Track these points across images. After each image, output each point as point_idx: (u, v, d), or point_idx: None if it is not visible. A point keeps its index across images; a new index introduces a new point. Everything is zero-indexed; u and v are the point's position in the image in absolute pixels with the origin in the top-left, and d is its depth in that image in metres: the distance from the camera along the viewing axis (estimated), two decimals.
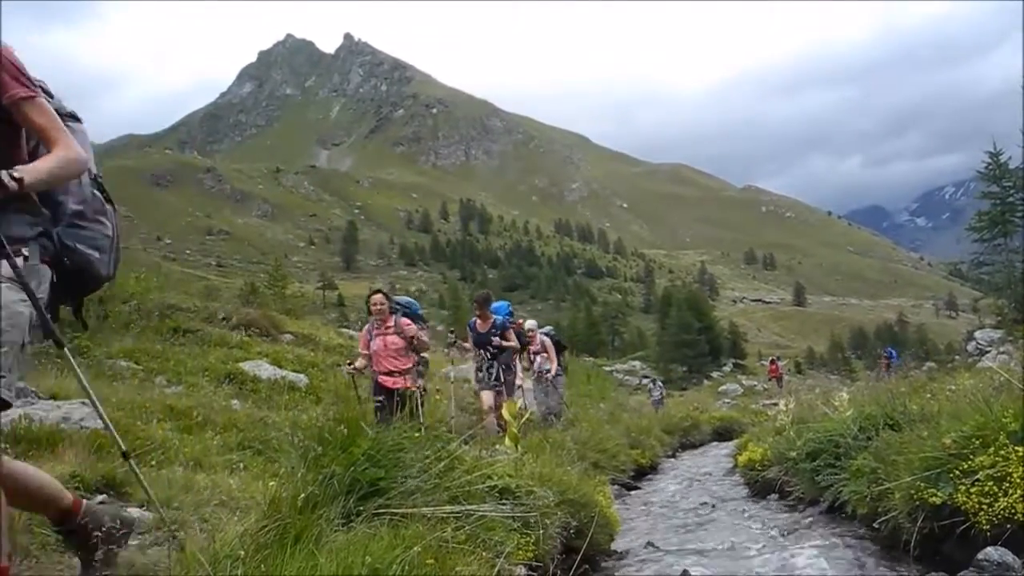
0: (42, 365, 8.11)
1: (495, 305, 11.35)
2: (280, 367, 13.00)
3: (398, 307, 9.48)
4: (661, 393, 30.20)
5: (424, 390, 9.32)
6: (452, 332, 12.67)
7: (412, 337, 9.09)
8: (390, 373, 8.91)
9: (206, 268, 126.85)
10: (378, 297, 9.29)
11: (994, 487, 3.93)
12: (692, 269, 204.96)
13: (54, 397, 6.76)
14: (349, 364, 9.41)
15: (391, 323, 9.12)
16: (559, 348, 13.80)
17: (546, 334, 13.62)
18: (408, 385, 8.65)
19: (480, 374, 10.99)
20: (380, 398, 8.77)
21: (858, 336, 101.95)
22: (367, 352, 9.18)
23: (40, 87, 2.75)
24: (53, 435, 5.48)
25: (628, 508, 8.96)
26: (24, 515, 3.81)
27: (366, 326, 9.57)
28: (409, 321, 9.28)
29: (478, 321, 11.08)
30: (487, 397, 10.64)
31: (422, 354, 9.76)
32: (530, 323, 13.37)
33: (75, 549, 3.31)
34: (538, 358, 13.01)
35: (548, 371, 12.88)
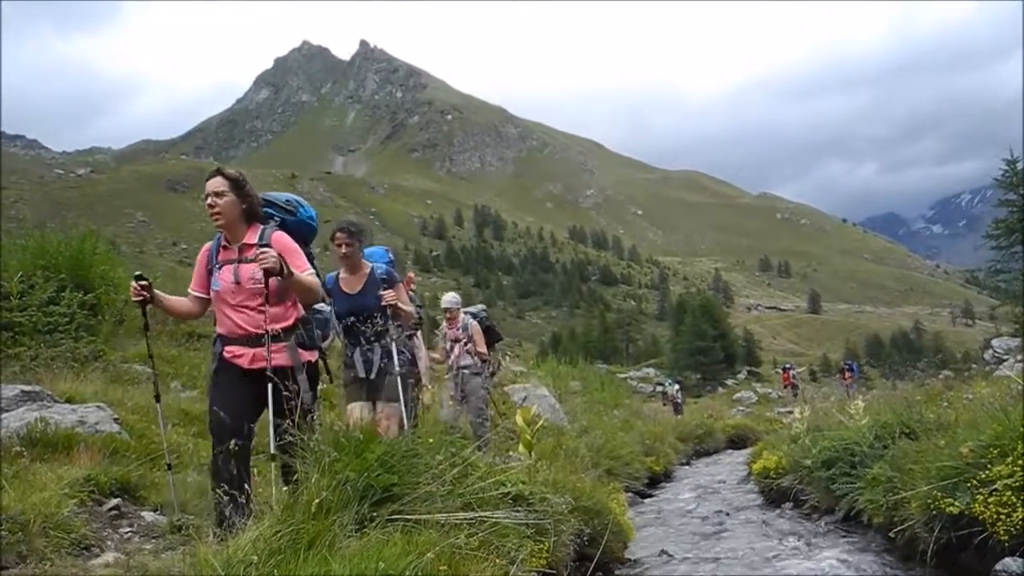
0: (58, 368, 8.16)
1: (367, 250, 6.44)
2: None
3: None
4: (678, 391, 30.22)
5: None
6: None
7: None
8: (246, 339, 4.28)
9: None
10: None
11: (1012, 497, 3.90)
12: (707, 276, 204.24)
13: (70, 400, 6.78)
14: None
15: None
16: (491, 338, 10.00)
17: (474, 316, 9.81)
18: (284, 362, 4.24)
19: (350, 372, 6.02)
20: None
21: (874, 344, 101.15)
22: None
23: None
24: (68, 438, 5.51)
25: (642, 516, 8.93)
26: (39, 518, 3.83)
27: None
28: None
29: (343, 274, 6.05)
30: (358, 412, 5.88)
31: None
32: (450, 298, 9.55)
33: None
34: (456, 347, 9.32)
35: (468, 367, 9.30)
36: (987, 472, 4.13)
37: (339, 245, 5.85)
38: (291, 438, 3.61)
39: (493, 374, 10.29)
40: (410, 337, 7.13)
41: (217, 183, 4.27)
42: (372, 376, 5.87)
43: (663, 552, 6.23)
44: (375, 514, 3.35)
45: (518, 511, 4.06)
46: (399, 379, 5.84)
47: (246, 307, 4.22)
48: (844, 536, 6.38)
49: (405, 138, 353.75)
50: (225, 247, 4.34)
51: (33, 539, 3.71)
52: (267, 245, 4.14)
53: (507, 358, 24.10)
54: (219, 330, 4.35)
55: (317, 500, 3.17)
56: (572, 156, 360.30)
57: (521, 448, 5.28)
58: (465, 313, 9.67)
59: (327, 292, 5.95)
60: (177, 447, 6.32)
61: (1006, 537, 3.88)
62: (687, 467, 16.82)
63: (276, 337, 4.17)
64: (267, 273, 4.01)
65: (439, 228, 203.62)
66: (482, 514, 3.67)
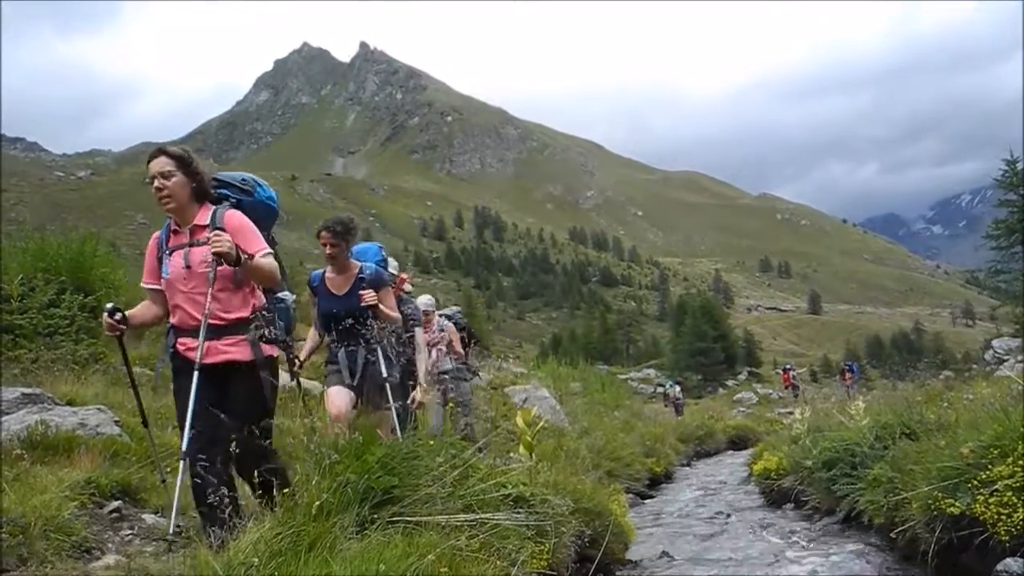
0: (59, 371, 8.16)
1: (360, 246, 6.12)
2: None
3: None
4: (678, 393, 30.27)
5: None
6: None
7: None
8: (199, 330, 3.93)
9: None
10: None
11: (1013, 497, 3.90)
12: (707, 277, 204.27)
13: (71, 403, 6.78)
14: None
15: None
16: (468, 339, 9.79)
17: (449, 318, 9.58)
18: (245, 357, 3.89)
19: (334, 368, 5.70)
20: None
21: (874, 345, 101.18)
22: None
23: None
24: (69, 441, 5.51)
25: (643, 517, 8.92)
26: (40, 521, 3.83)
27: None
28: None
29: (329, 273, 5.75)
30: (336, 397, 5.57)
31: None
32: (425, 300, 8.90)
33: None
34: (434, 352, 8.86)
35: (449, 372, 9.04)
36: (988, 473, 4.13)
37: (324, 244, 5.57)
38: (257, 445, 3.54)
39: (476, 374, 10.33)
40: (410, 337, 6.74)
41: (162, 163, 3.89)
42: (355, 380, 5.54)
43: (664, 553, 6.23)
44: (376, 516, 3.35)
45: (519, 513, 4.06)
46: (397, 384, 5.65)
47: (199, 294, 3.83)
48: (845, 537, 6.38)
49: (405, 140, 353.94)
50: (175, 231, 3.99)
51: (34, 542, 3.71)
52: (221, 228, 3.81)
53: (510, 360, 24.12)
54: (172, 321, 3.99)
55: (318, 502, 3.17)
56: (572, 157, 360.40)
57: (522, 450, 5.28)
58: (440, 316, 9.44)
59: (312, 291, 5.80)
60: (178, 450, 6.31)
61: (1007, 538, 3.88)
62: (688, 468, 16.82)
63: (233, 328, 3.83)
64: (219, 257, 3.68)
65: (439, 229, 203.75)
66: (483, 516, 3.67)
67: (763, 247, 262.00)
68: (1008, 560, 3.84)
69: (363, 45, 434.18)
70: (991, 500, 3.99)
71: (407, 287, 7.59)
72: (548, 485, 5.00)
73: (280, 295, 4.40)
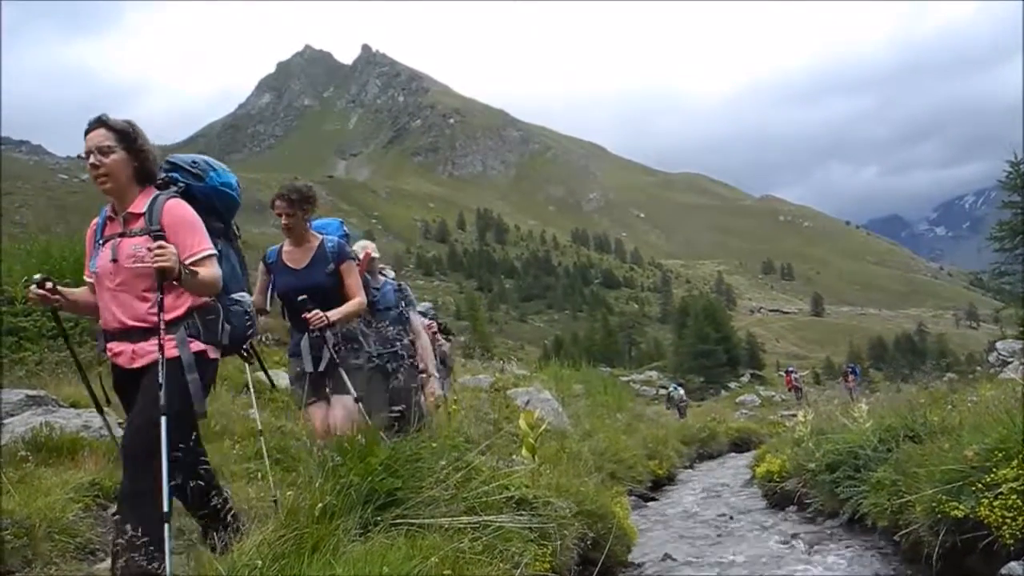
0: (63, 373, 8.16)
1: (320, 221, 5.44)
2: None
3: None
4: (682, 396, 30.32)
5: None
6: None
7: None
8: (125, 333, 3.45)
9: None
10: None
11: (1018, 500, 3.89)
12: (709, 279, 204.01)
13: (74, 405, 6.79)
14: None
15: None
16: (445, 334, 9.03)
17: (423, 314, 8.41)
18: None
19: (297, 364, 5.11)
20: None
21: (877, 346, 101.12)
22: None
23: None
24: (73, 443, 5.51)
25: (645, 519, 8.91)
26: (44, 523, 3.84)
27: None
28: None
29: (287, 247, 5.17)
30: (319, 420, 4.98)
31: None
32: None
33: None
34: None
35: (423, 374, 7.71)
36: (992, 476, 4.12)
37: (279, 214, 4.99)
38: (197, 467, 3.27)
39: (450, 370, 9.54)
40: (402, 318, 6.32)
41: (100, 136, 3.33)
42: (320, 369, 4.88)
43: (666, 556, 6.22)
44: (379, 518, 3.35)
45: (522, 515, 4.06)
46: (410, 374, 5.44)
47: (125, 292, 3.31)
48: (848, 539, 6.37)
49: (407, 142, 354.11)
50: (111, 218, 3.45)
51: (38, 543, 3.72)
52: (159, 228, 3.31)
53: (512, 362, 24.11)
54: (101, 323, 3.47)
55: (321, 504, 3.18)
56: (574, 159, 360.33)
57: (524, 452, 5.28)
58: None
59: (267, 268, 5.15)
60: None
61: (1011, 541, 3.88)
62: (690, 470, 16.79)
63: (164, 327, 3.27)
64: (160, 274, 3.16)
65: (441, 232, 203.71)
66: (486, 518, 3.68)
67: (766, 249, 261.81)
68: (1013, 563, 3.83)
69: (365, 47, 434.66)
70: (995, 503, 3.99)
71: (391, 273, 6.99)
72: (551, 487, 5.00)
73: (236, 296, 3.72)
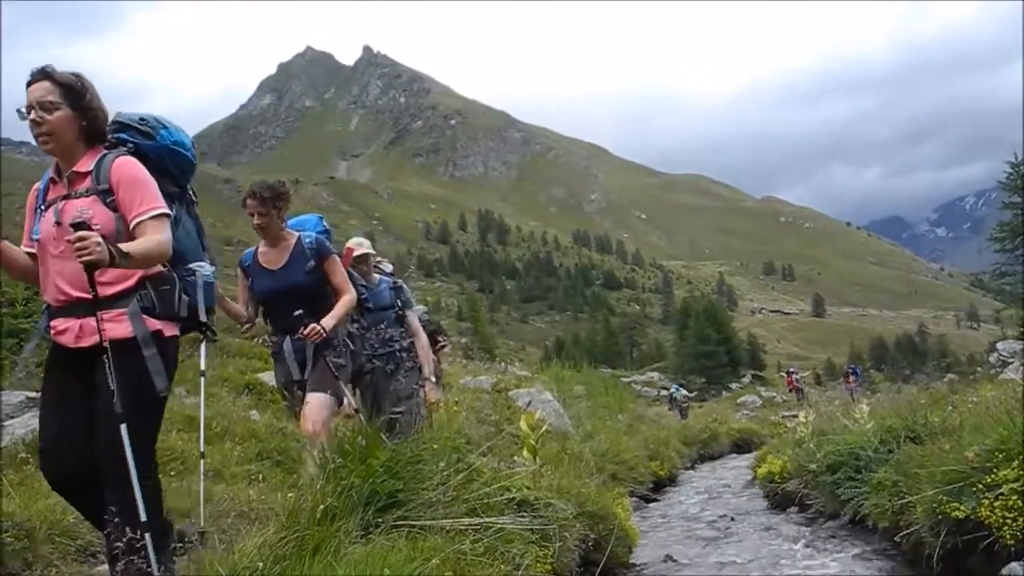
0: None
1: (298, 218, 5.19)
2: None
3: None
4: (684, 397, 30.36)
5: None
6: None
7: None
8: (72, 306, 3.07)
9: (225, 278, 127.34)
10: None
11: (1018, 501, 3.89)
12: (711, 280, 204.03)
13: None
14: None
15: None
16: (433, 342, 8.15)
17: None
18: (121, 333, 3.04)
19: (282, 368, 4.88)
20: None
21: (878, 347, 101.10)
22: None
23: None
24: None
25: (647, 520, 8.91)
26: (44, 525, 3.84)
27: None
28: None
29: (262, 247, 4.91)
30: (315, 405, 4.49)
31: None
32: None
33: None
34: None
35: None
36: (993, 476, 4.12)
37: (251, 214, 4.68)
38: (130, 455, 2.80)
39: (438, 379, 9.09)
40: (400, 319, 6.10)
41: (43, 90, 2.99)
42: (306, 376, 4.65)
43: (668, 557, 6.22)
44: (380, 520, 3.35)
45: (523, 516, 4.06)
46: (412, 375, 5.38)
47: (71, 260, 2.81)
48: (849, 540, 6.37)
49: (409, 143, 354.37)
50: (55, 181, 3.15)
51: (39, 546, 3.72)
52: (107, 186, 3.03)
53: (514, 363, 24.12)
54: (45, 297, 3.11)
55: (322, 506, 3.18)
56: (576, 160, 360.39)
57: (526, 453, 5.28)
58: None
59: (244, 271, 4.89)
60: (181, 453, 6.33)
61: (1012, 542, 3.87)
62: (692, 471, 16.78)
63: (112, 302, 2.97)
64: (88, 267, 2.77)
65: (443, 233, 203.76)
66: (487, 520, 3.68)
67: (767, 250, 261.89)
68: (1013, 564, 3.83)
69: (366, 48, 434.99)
70: (996, 504, 3.99)
71: (389, 267, 6.83)
72: (552, 489, 5.00)
73: (193, 265, 3.35)
